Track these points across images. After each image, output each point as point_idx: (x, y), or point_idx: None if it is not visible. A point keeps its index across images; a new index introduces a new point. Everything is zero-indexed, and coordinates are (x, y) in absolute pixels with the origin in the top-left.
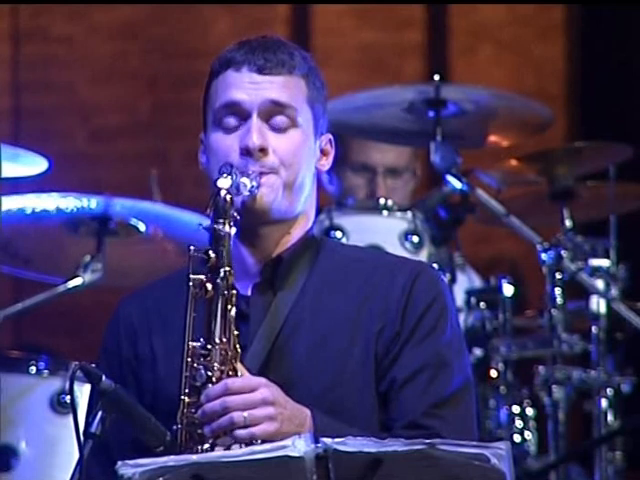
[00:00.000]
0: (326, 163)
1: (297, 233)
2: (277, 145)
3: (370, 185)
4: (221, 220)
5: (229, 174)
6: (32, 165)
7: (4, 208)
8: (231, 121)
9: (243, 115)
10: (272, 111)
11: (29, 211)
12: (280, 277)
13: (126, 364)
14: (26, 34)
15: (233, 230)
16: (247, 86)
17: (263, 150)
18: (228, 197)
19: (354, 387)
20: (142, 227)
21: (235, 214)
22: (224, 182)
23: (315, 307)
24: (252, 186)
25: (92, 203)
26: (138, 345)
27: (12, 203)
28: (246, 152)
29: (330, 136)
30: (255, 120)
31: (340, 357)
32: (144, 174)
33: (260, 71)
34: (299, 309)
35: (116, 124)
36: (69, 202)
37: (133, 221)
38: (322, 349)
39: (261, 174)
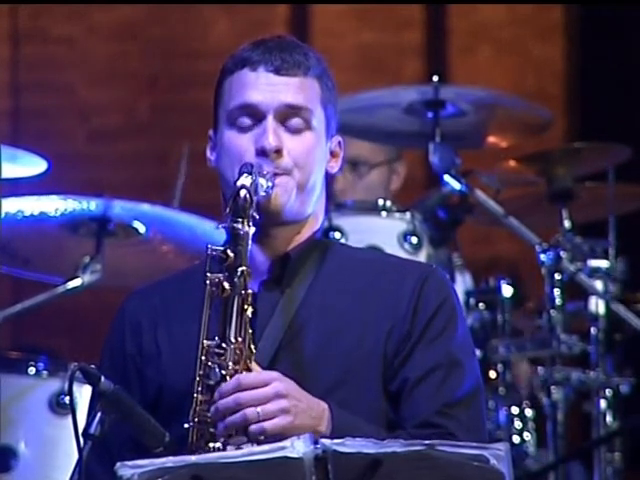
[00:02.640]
0: (335, 165)
1: (306, 233)
2: (292, 147)
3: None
4: (240, 219)
5: (250, 173)
6: (31, 166)
7: (4, 209)
8: (246, 121)
9: (258, 116)
10: (287, 114)
11: (29, 212)
12: (288, 275)
13: (130, 360)
14: (25, 35)
15: (252, 230)
16: (263, 87)
17: (278, 151)
18: (248, 196)
19: (361, 385)
20: (141, 228)
21: (254, 214)
22: (245, 181)
23: (323, 305)
24: (267, 187)
25: (91, 205)
26: (143, 341)
27: (12, 204)
28: (262, 153)
29: (340, 138)
30: (271, 121)
31: (347, 355)
32: (143, 174)
33: (277, 72)
34: (307, 307)
35: (115, 124)
36: (69, 204)
37: (132, 222)
38: (329, 347)
39: (275, 175)
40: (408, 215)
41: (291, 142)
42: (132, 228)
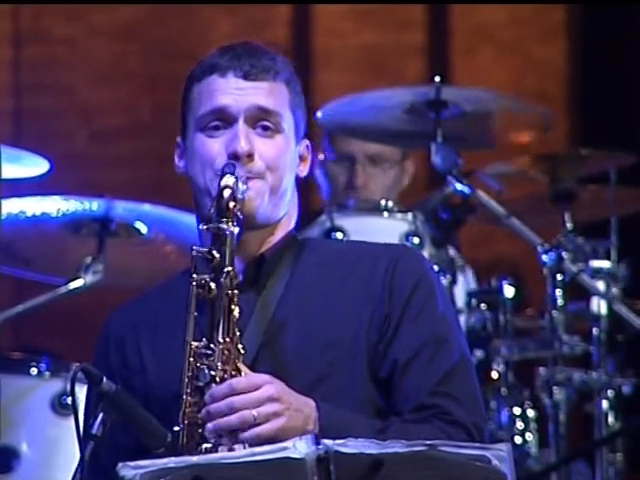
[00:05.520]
0: (304, 169)
1: (279, 234)
2: (263, 150)
3: (349, 173)
4: (224, 219)
5: (232, 174)
6: (33, 166)
7: (6, 210)
8: (216, 126)
9: (229, 120)
10: (258, 117)
11: (30, 213)
12: (263, 276)
13: (115, 372)
14: (27, 36)
15: (236, 229)
16: (233, 92)
17: (250, 156)
18: (232, 196)
19: (345, 377)
20: (143, 229)
21: (238, 213)
22: (228, 181)
23: (301, 302)
24: (243, 190)
25: (93, 205)
26: (127, 355)
27: (14, 205)
28: (233, 157)
29: (308, 142)
30: (242, 125)
31: (329, 349)
32: (145, 175)
33: (246, 77)
34: (284, 306)
35: (117, 125)
36: (70, 204)
37: (134, 223)
38: (310, 343)
39: (248, 179)
40: (410, 215)
41: (262, 145)
42: (134, 228)
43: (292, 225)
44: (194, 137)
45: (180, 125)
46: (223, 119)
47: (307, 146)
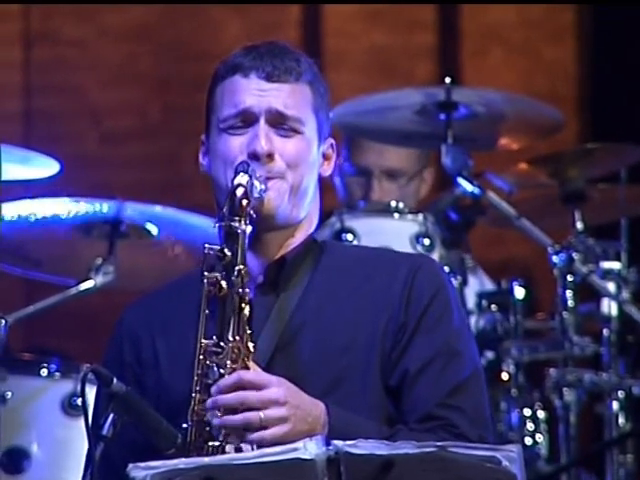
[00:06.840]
0: (328, 168)
1: (300, 236)
2: (283, 150)
3: (365, 187)
4: (237, 217)
5: (246, 172)
6: (43, 168)
7: (17, 212)
8: (237, 125)
9: (250, 120)
10: (278, 118)
11: (41, 215)
12: (283, 278)
13: (128, 370)
14: (37, 37)
15: (249, 228)
16: (255, 92)
17: (270, 155)
18: (245, 194)
19: (358, 383)
20: (154, 230)
21: (251, 212)
22: (242, 180)
23: (319, 307)
24: (261, 189)
25: (104, 206)
26: (141, 350)
27: (24, 207)
28: (254, 157)
29: (332, 141)
30: (262, 125)
31: (344, 355)
32: (155, 176)
33: (268, 78)
34: (303, 309)
35: (127, 127)
36: (81, 206)
37: (145, 224)
38: (326, 348)
39: (268, 179)
40: (420, 217)
41: (283, 145)
42: (144, 230)
43: (313, 227)
44: (216, 136)
45: (204, 123)
46: (244, 119)
47: (331, 145)
